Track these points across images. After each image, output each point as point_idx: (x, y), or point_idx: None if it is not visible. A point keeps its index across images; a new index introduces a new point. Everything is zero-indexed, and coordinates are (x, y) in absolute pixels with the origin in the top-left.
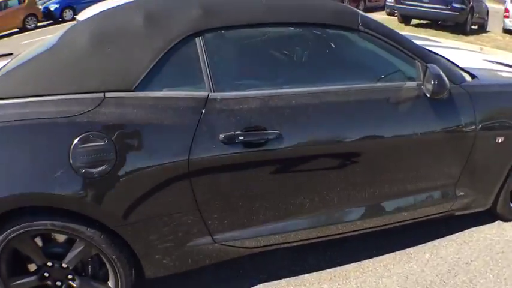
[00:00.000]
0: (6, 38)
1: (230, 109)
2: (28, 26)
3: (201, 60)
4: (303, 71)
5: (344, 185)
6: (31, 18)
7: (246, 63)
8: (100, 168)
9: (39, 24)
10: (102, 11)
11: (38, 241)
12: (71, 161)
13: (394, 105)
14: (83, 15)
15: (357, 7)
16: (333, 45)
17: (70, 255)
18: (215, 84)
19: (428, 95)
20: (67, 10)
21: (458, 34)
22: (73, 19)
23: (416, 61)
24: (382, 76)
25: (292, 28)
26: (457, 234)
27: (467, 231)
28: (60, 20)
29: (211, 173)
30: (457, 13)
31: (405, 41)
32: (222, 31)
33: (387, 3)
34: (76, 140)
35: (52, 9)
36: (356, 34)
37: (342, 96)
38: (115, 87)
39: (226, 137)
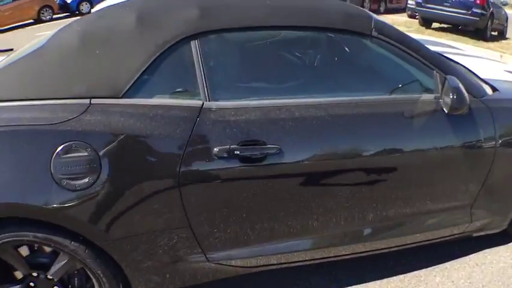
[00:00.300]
0: (20, 29)
1: (226, 120)
2: (43, 18)
3: (196, 65)
4: (308, 80)
5: (351, 204)
6: (46, 10)
7: (245, 70)
8: (82, 181)
9: (54, 16)
10: (98, 10)
11: (26, 250)
12: (52, 172)
13: (408, 120)
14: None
15: (378, 8)
16: (343, 52)
17: (54, 268)
18: (211, 92)
19: (446, 111)
20: (84, 3)
21: (478, 40)
22: (90, 12)
23: (434, 71)
24: (397, 87)
25: (298, 32)
26: (470, 256)
27: (481, 252)
28: (77, 12)
29: (203, 189)
30: (477, 18)
31: (422, 48)
32: (221, 34)
33: (408, 6)
34: (58, 150)
35: (68, 1)
36: (369, 40)
37: (352, 109)
38: (102, 93)
39: (221, 150)
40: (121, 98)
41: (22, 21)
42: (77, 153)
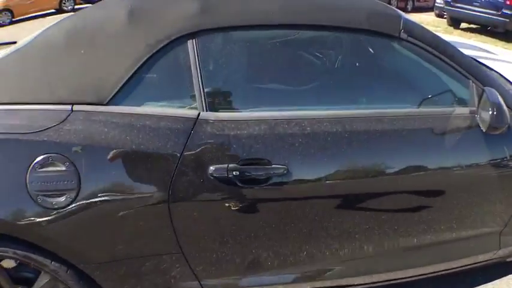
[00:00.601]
0: (41, 18)
1: (225, 134)
2: (65, 8)
3: (192, 69)
4: (323, 89)
5: (366, 231)
6: (68, 0)
7: (250, 75)
8: (60, 199)
9: (76, 6)
10: (91, 6)
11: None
12: (28, 187)
13: (439, 138)
14: None
15: (405, 7)
16: (365, 56)
17: (37, 286)
18: (208, 100)
19: (483, 129)
20: None
21: (508, 42)
22: None
23: (470, 81)
24: (427, 97)
25: (314, 32)
26: (493, 282)
27: (504, 278)
28: None
29: (197, 211)
30: (507, 20)
31: (457, 54)
32: (222, 33)
33: (436, 4)
34: (34, 162)
35: None
36: (396, 42)
37: (374, 124)
38: (85, 98)
39: (217, 170)
40: (106, 105)
41: (43, 10)
42: (53, 167)
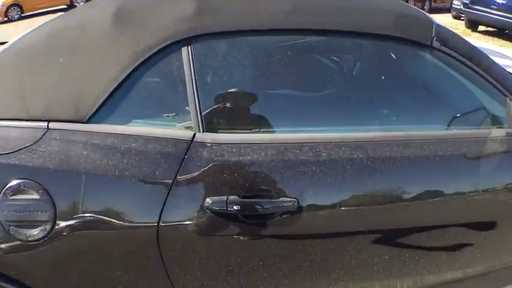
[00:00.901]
0: (51, 14)
1: (225, 160)
2: (76, 4)
3: (187, 81)
4: (342, 106)
5: (388, 273)
6: None
7: (256, 90)
8: (34, 231)
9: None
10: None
11: None
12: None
13: (472, 164)
14: None
15: (422, 7)
16: (391, 68)
17: None
18: (206, 119)
19: None
20: None
21: None
22: None
23: (508, 99)
24: (459, 117)
25: (331, 38)
26: None
27: None
28: None
29: (190, 249)
30: None
31: (493, 66)
32: (224, 38)
33: (453, 6)
34: (5, 189)
35: None
36: (427, 52)
37: (401, 149)
38: (63, 115)
39: (215, 202)
40: (86, 122)
41: (54, 6)
42: (25, 195)
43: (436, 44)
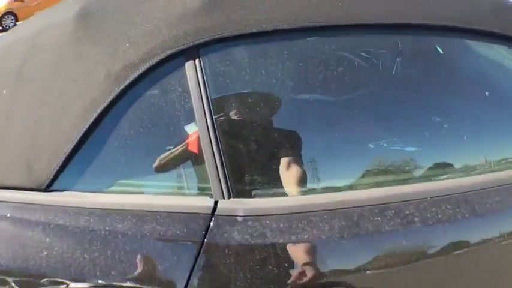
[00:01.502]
0: None
1: (269, 243)
2: None
3: (197, 114)
4: (435, 144)
5: None
6: None
7: (310, 124)
8: None
9: None
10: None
11: None
12: None
13: None
14: None
15: None
16: (493, 82)
17: None
18: (233, 176)
19: None
20: None
21: None
22: None
23: None
24: None
25: (408, 37)
26: None
27: None
28: None
29: None
30: None
31: None
32: (245, 45)
33: None
34: None
35: None
36: None
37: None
38: (12, 180)
39: None
40: (45, 190)
41: None
42: None
43: None
